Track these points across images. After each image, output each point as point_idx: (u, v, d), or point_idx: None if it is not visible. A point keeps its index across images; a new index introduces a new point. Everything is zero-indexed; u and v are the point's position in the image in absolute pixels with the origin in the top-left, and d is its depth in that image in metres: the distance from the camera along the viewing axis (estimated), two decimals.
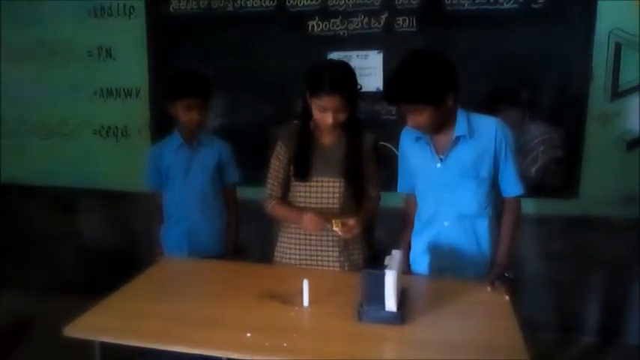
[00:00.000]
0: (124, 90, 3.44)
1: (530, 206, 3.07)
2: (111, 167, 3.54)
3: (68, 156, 3.62)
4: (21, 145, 3.68)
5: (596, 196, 2.98)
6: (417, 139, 1.99)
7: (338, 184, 2.08)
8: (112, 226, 3.63)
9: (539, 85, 2.95)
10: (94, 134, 3.55)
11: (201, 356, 1.50)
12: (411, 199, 2.13)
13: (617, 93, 2.89)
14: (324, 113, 1.95)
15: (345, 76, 1.97)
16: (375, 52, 3.06)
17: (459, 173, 1.94)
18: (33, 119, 3.64)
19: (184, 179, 2.38)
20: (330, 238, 2.08)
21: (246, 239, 2.59)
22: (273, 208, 2.12)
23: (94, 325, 1.63)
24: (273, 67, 3.18)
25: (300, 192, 2.10)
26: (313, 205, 2.08)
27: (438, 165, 1.95)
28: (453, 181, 1.95)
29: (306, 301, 1.73)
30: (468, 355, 1.45)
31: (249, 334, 1.54)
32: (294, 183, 2.11)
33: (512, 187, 1.97)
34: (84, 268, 3.69)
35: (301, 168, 2.07)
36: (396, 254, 1.71)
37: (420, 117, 1.83)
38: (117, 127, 3.51)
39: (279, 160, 2.12)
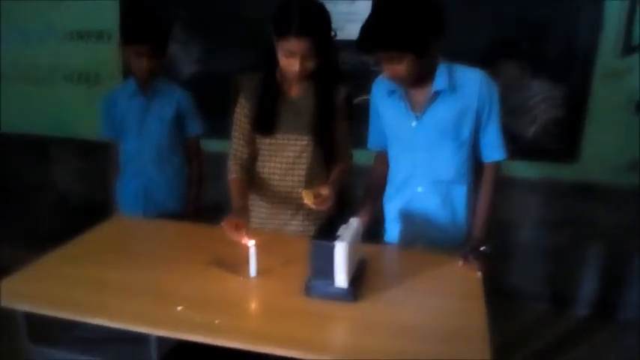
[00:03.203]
0: (94, 33, 3.21)
1: (526, 170, 2.87)
2: (83, 115, 3.34)
3: (41, 102, 3.44)
4: None
5: (598, 161, 2.76)
6: (391, 92, 1.75)
7: (306, 142, 1.86)
8: (85, 176, 3.47)
9: (542, 37, 2.68)
10: (65, 80, 3.36)
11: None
12: (380, 158, 1.92)
13: (630, 48, 2.60)
14: (291, 59, 1.71)
15: (317, 17, 1.72)
16: None
17: (437, 133, 1.71)
18: (4, 63, 3.43)
19: (139, 130, 2.19)
20: (294, 200, 1.89)
21: (213, 196, 2.40)
22: (231, 181, 1.89)
23: (14, 291, 1.46)
24: (250, 11, 2.93)
25: (264, 150, 1.90)
26: (279, 165, 1.88)
27: (414, 123, 1.73)
28: (429, 142, 1.73)
29: (253, 271, 1.55)
30: (419, 341, 1.26)
31: (180, 308, 1.37)
32: (258, 140, 1.90)
33: (493, 150, 1.74)
34: (56, 219, 3.55)
35: (264, 122, 1.85)
36: (354, 222, 1.51)
37: (399, 66, 1.58)
38: (89, 73, 3.31)
39: (244, 115, 1.89)
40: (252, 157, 1.92)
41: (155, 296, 1.44)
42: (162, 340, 1.36)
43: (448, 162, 1.74)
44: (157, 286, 1.50)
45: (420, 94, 1.71)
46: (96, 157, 3.41)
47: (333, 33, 1.80)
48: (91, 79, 3.31)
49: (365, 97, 2.98)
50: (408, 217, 1.82)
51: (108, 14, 3.14)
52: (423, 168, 1.76)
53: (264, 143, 1.88)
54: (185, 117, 2.25)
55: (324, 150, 1.90)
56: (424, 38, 1.55)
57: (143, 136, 2.20)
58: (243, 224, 1.63)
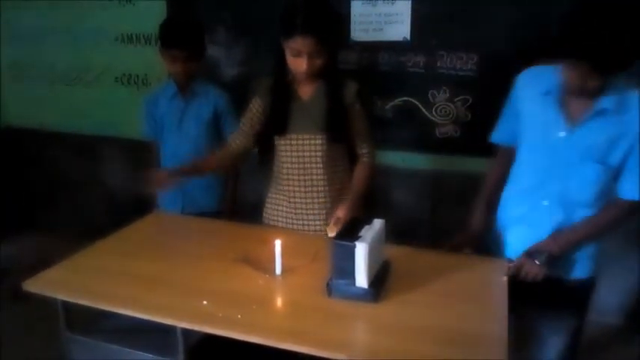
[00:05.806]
0: (143, 36, 3.34)
1: None
2: (132, 115, 3.44)
3: (92, 103, 3.59)
4: (48, 92, 3.69)
5: None
6: (547, 92, 1.58)
7: (320, 141, 1.89)
8: (132, 174, 3.58)
9: None
10: (115, 82, 3.49)
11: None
12: (503, 156, 1.80)
13: None
14: (298, 58, 1.73)
15: (322, 15, 1.73)
16: None
17: (584, 151, 1.54)
18: (59, 66, 3.62)
19: (178, 130, 2.27)
20: (318, 199, 1.93)
21: (249, 195, 2.45)
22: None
23: (53, 281, 1.57)
24: None
25: (281, 150, 1.94)
26: (296, 165, 1.92)
27: (562, 134, 1.56)
28: (572, 158, 1.56)
29: (278, 269, 1.59)
30: (435, 343, 1.26)
31: (205, 302, 1.43)
32: (275, 140, 1.94)
33: (632, 187, 1.54)
34: (102, 214, 3.70)
35: (276, 123, 1.90)
36: (377, 223, 1.52)
37: (596, 83, 1.44)
38: (137, 75, 3.43)
39: (250, 111, 1.96)
40: (244, 151, 2.00)
41: (183, 290, 1.50)
42: (188, 332, 1.41)
43: (585, 184, 1.58)
44: (186, 281, 1.56)
45: (580, 105, 1.54)
46: (142, 156, 3.55)
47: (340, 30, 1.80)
48: (140, 82, 3.43)
49: (403, 98, 2.98)
50: (521, 227, 1.71)
51: (156, 19, 3.24)
52: (556, 182, 1.61)
53: (280, 144, 1.93)
54: (222, 117, 2.30)
55: (340, 147, 1.93)
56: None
57: (182, 137, 2.27)
58: (170, 178, 1.90)
